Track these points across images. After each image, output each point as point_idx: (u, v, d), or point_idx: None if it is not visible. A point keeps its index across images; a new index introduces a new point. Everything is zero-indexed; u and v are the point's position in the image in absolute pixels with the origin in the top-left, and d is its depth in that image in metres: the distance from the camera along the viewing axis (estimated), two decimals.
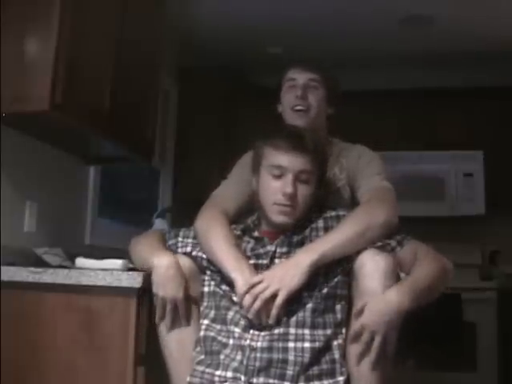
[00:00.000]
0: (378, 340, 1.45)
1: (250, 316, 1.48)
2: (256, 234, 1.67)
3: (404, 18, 3.53)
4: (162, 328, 1.62)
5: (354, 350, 1.50)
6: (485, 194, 3.80)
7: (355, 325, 1.49)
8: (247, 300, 1.47)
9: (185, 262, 1.64)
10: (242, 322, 1.52)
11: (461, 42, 3.83)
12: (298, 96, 1.88)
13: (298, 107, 1.88)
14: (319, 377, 1.46)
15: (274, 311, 1.47)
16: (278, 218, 1.61)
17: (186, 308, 1.61)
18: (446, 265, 1.61)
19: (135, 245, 1.78)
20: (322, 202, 1.72)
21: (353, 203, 1.79)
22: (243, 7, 3.44)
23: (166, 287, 1.58)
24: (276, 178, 1.62)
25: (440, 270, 1.58)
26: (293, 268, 1.49)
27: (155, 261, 1.61)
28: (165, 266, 1.60)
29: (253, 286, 1.48)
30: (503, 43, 3.78)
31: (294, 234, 1.62)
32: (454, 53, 3.95)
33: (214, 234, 1.63)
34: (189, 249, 1.70)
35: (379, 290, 1.46)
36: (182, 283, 1.59)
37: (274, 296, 1.47)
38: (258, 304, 1.46)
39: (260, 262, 1.59)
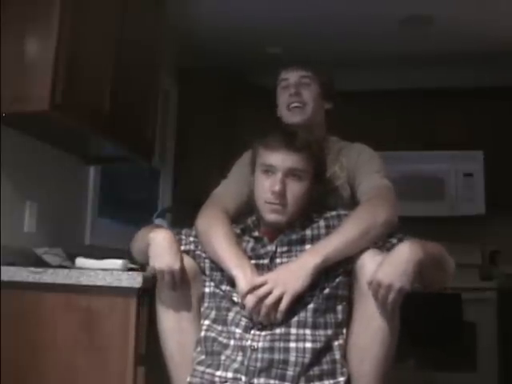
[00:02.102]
0: (392, 295, 1.42)
1: (254, 318, 1.48)
2: (256, 233, 1.67)
3: (404, 19, 3.53)
4: (160, 306, 1.61)
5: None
6: (485, 194, 3.80)
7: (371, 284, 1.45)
8: (250, 301, 1.47)
9: (188, 262, 1.63)
10: (243, 323, 1.51)
11: (460, 43, 3.83)
12: (292, 94, 1.89)
13: (293, 104, 1.89)
14: (320, 377, 1.45)
15: (279, 316, 1.46)
16: (270, 216, 1.61)
17: (184, 281, 1.58)
18: (451, 260, 1.59)
19: (135, 237, 1.78)
20: (322, 201, 1.72)
21: (352, 202, 1.79)
22: (243, 7, 3.44)
23: (161, 258, 1.56)
24: (267, 176, 1.62)
25: (446, 256, 1.57)
26: (297, 271, 1.49)
27: (151, 235, 1.60)
28: (160, 237, 1.59)
29: (255, 287, 1.47)
30: (503, 43, 3.78)
31: (294, 232, 1.61)
32: (453, 53, 3.95)
33: (215, 232, 1.63)
34: (192, 247, 1.69)
35: None
36: (178, 254, 1.57)
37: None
38: (263, 311, 1.46)
39: (261, 262, 1.59)
